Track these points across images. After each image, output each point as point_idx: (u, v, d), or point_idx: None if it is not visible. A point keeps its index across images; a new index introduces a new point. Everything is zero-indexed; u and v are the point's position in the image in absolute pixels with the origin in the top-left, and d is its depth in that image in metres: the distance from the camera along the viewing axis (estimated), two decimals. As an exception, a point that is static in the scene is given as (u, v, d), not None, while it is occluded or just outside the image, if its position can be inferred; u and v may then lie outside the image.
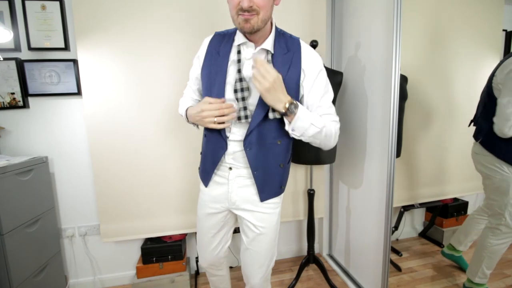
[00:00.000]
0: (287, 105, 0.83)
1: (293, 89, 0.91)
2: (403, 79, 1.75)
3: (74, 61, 1.59)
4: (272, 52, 0.90)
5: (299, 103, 0.87)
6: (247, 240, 1.05)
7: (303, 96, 0.94)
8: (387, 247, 1.42)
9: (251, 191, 1.00)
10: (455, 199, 2.27)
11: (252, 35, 0.86)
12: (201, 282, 1.86)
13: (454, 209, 2.21)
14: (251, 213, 1.01)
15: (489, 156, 1.43)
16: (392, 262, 1.93)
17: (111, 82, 1.54)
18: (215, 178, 1.04)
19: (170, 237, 1.77)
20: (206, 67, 0.95)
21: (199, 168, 1.11)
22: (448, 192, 2.10)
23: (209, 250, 1.14)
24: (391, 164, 1.35)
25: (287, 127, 0.89)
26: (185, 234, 1.85)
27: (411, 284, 1.75)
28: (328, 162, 1.65)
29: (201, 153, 1.09)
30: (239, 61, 0.89)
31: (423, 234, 2.34)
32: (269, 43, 0.89)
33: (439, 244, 2.19)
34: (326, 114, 0.93)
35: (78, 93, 1.62)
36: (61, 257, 1.71)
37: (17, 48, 1.54)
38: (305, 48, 0.93)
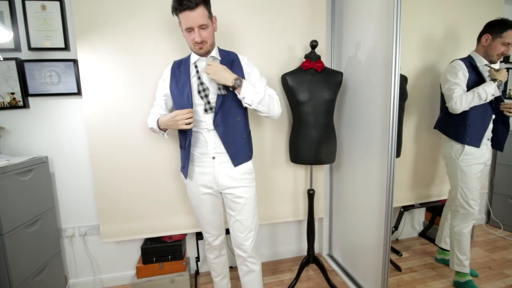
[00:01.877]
0: (233, 81, 1.15)
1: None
2: (403, 79, 1.75)
3: (74, 61, 1.59)
4: (219, 58, 1.26)
5: (243, 79, 1.19)
6: (234, 213, 1.31)
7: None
8: (387, 247, 1.42)
9: (232, 170, 1.27)
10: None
11: (205, 55, 1.23)
12: (201, 282, 1.86)
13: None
14: (236, 189, 1.28)
15: (444, 146, 1.70)
16: (392, 262, 1.93)
17: (111, 82, 1.55)
18: (200, 169, 1.28)
19: (170, 237, 1.77)
20: (174, 84, 1.27)
21: (182, 168, 1.32)
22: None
23: (216, 224, 1.39)
24: (391, 164, 1.35)
25: (239, 97, 1.19)
26: (185, 234, 1.85)
27: (411, 284, 1.75)
28: (328, 162, 1.65)
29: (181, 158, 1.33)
30: (197, 71, 1.24)
31: (423, 234, 2.34)
32: (214, 52, 1.25)
33: (439, 244, 2.19)
34: (263, 87, 1.28)
35: (78, 93, 1.62)
36: (61, 257, 1.72)
37: (17, 48, 1.54)
38: (240, 55, 1.32)
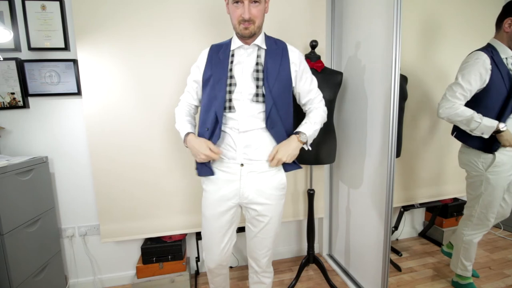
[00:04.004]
0: (300, 143, 1.10)
1: (287, 79, 1.11)
2: (403, 79, 1.75)
3: (74, 61, 1.59)
4: (264, 47, 1.09)
5: (301, 131, 1.11)
6: (255, 230, 1.16)
7: (295, 85, 1.16)
8: (387, 247, 1.42)
9: (265, 184, 1.11)
10: (455, 199, 2.27)
11: (248, 39, 1.06)
12: (201, 282, 1.86)
13: (454, 209, 2.20)
14: (263, 206, 1.11)
15: (467, 153, 1.49)
16: (392, 262, 1.93)
17: (111, 82, 1.55)
18: (224, 176, 1.11)
19: (170, 237, 1.77)
20: (209, 70, 1.10)
21: (197, 168, 1.15)
22: (448, 192, 2.10)
23: (219, 250, 1.18)
24: (391, 164, 1.35)
25: (305, 148, 1.14)
26: (185, 234, 1.85)
27: (411, 284, 1.75)
28: (328, 162, 1.65)
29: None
30: (231, 62, 1.08)
31: (423, 234, 2.34)
32: (259, 40, 1.09)
33: (439, 244, 2.19)
34: (317, 96, 1.20)
35: (78, 93, 1.62)
36: (61, 257, 1.72)
37: (17, 48, 1.54)
38: (290, 46, 1.14)
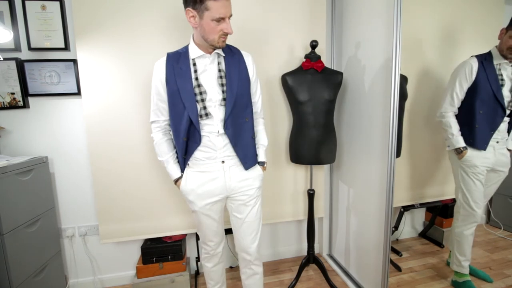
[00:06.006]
0: (264, 169, 1.31)
1: (247, 81, 1.20)
2: (403, 79, 1.75)
3: (74, 61, 1.59)
4: (223, 54, 1.16)
5: (263, 161, 1.30)
6: (242, 216, 1.26)
7: (251, 84, 1.23)
8: (387, 247, 1.42)
9: (243, 173, 1.22)
10: (455, 199, 2.26)
11: (212, 49, 1.12)
12: (201, 282, 1.86)
13: (454, 209, 2.20)
14: (247, 192, 1.23)
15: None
16: (392, 262, 1.93)
17: (111, 82, 1.54)
18: (207, 176, 1.19)
19: (170, 237, 1.77)
20: (173, 82, 1.12)
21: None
22: (448, 192, 2.10)
23: (219, 231, 1.33)
24: (391, 164, 1.35)
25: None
26: (185, 234, 1.85)
27: (411, 284, 1.75)
28: (328, 162, 1.65)
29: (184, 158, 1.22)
30: (195, 71, 1.12)
31: (423, 234, 2.34)
32: (220, 50, 1.15)
33: (439, 244, 2.19)
34: (259, 100, 1.30)
35: (78, 93, 1.62)
36: (61, 257, 1.72)
37: (17, 48, 1.54)
38: (243, 51, 1.24)
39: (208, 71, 1.14)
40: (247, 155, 1.22)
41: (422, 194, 2.07)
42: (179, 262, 1.73)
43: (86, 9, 1.47)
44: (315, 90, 1.55)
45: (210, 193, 1.20)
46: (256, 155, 1.28)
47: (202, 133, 1.14)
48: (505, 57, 1.47)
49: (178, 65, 1.13)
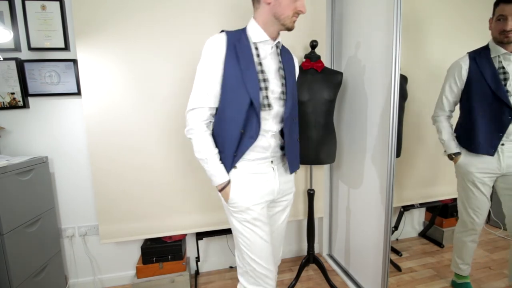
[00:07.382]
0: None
1: (295, 80, 1.13)
2: (403, 79, 1.75)
3: (74, 61, 1.59)
4: (280, 47, 1.06)
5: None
6: (277, 224, 1.16)
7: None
8: (387, 247, 1.42)
9: (287, 173, 1.12)
10: (455, 199, 2.26)
11: (277, 33, 1.01)
12: (201, 282, 1.86)
13: (454, 209, 2.20)
14: (290, 195, 1.17)
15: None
16: (392, 262, 1.93)
17: (111, 82, 1.54)
18: (261, 177, 1.04)
19: (170, 237, 1.77)
20: (235, 62, 0.95)
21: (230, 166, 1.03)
22: (448, 192, 2.10)
23: (276, 252, 1.17)
24: (391, 164, 1.35)
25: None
26: (185, 234, 1.85)
27: (411, 284, 1.75)
28: (328, 162, 1.65)
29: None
30: (258, 55, 0.98)
31: (423, 234, 2.34)
32: (278, 40, 1.04)
33: (439, 244, 2.19)
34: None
35: (78, 93, 1.62)
36: (61, 257, 1.72)
37: (17, 48, 1.54)
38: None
39: (269, 59, 1.01)
40: (296, 158, 1.12)
41: (422, 194, 2.07)
42: (179, 262, 1.73)
43: (86, 9, 1.47)
44: (315, 90, 1.55)
45: (264, 197, 1.04)
46: (298, 160, 1.17)
47: (260, 127, 0.98)
48: (501, 44, 1.33)
49: (239, 44, 0.97)
